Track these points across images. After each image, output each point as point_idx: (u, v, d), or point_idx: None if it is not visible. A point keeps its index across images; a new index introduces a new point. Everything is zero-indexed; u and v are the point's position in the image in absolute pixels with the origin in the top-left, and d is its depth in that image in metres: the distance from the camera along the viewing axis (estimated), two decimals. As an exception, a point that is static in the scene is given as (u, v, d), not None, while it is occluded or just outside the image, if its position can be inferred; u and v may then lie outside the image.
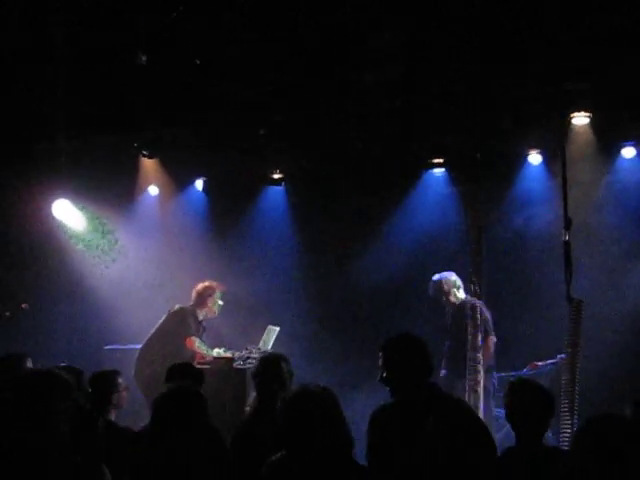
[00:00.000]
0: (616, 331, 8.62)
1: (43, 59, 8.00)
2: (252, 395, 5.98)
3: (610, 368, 8.02)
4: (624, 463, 3.59)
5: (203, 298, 9.11)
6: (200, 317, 9.11)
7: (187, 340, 8.84)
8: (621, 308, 8.85)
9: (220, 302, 9.17)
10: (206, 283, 9.16)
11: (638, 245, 9.09)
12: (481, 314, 8.36)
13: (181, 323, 8.93)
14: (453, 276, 8.83)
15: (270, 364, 5.69)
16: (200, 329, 9.12)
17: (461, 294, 8.79)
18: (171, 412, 4.33)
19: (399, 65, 7.45)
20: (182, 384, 4.79)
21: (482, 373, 8.07)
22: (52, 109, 8.42)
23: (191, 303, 9.14)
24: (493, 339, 8.50)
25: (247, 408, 6.13)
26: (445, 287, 8.78)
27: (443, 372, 8.58)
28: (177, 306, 9.12)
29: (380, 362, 4.87)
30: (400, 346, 4.87)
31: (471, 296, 8.67)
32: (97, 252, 10.80)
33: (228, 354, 8.76)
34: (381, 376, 4.83)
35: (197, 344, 8.82)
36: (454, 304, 8.75)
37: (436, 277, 8.85)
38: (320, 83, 7.80)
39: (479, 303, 8.49)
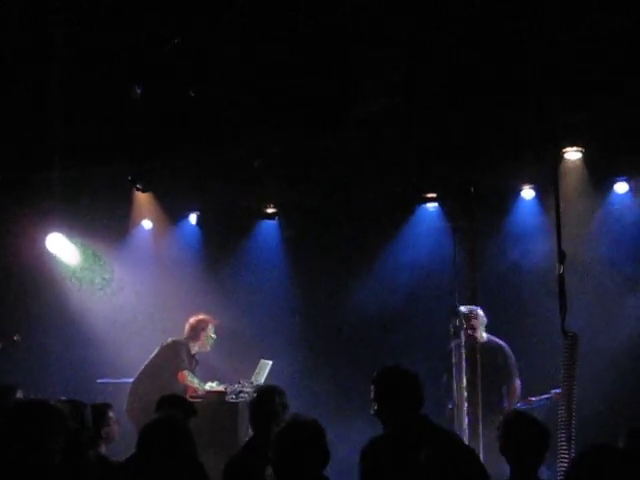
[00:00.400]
0: (610, 364, 8.59)
1: (39, 88, 8.04)
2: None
3: (605, 401, 8.00)
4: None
5: (196, 332, 9.10)
6: (193, 351, 9.10)
7: (179, 374, 8.82)
8: (615, 341, 8.83)
9: (213, 336, 9.16)
10: (200, 316, 9.16)
11: (631, 279, 9.09)
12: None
13: (174, 357, 8.91)
14: (481, 312, 8.64)
15: (265, 396, 5.71)
16: (193, 362, 9.10)
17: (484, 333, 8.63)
18: (157, 440, 4.31)
19: (394, 96, 7.48)
20: (170, 413, 4.76)
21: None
22: (49, 139, 8.43)
23: (184, 336, 9.12)
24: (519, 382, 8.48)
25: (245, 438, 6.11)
26: (476, 321, 8.50)
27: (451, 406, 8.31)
28: (170, 339, 9.10)
29: (372, 395, 4.88)
30: (390, 378, 4.89)
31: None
32: (91, 286, 10.79)
33: (220, 388, 8.73)
34: (373, 409, 4.83)
35: (189, 378, 8.79)
36: (478, 340, 8.42)
37: (468, 308, 8.45)
38: (313, 115, 7.82)
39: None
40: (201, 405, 7.46)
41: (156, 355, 9.02)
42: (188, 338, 9.11)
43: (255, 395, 5.93)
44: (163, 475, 4.10)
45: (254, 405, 5.72)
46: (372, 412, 4.86)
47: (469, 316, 8.41)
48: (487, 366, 8.19)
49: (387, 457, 4.74)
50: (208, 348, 9.19)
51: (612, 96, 7.28)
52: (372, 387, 4.89)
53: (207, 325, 9.13)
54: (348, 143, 8.49)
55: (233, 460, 5.52)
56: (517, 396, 8.43)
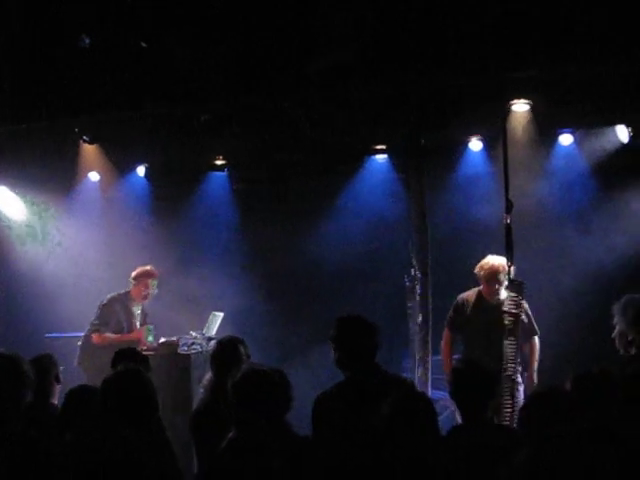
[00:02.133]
0: (556, 309, 8.79)
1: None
2: (207, 376, 6.01)
3: (552, 346, 8.18)
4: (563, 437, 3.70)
5: (137, 284, 9.12)
6: (134, 303, 9.09)
7: (93, 336, 8.90)
8: (562, 287, 9.05)
9: (154, 289, 9.15)
10: (139, 269, 9.15)
11: (577, 227, 9.28)
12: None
13: (94, 317, 9.02)
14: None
15: (227, 346, 5.77)
16: (136, 315, 9.17)
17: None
18: (123, 392, 4.34)
19: (349, 51, 7.48)
20: (133, 367, 4.79)
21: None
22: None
23: (125, 290, 9.15)
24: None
25: (201, 390, 6.15)
26: (504, 275, 7.61)
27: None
28: (107, 296, 9.11)
29: (331, 342, 4.98)
30: (349, 326, 4.98)
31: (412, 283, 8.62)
32: (37, 240, 10.69)
33: (172, 339, 8.75)
34: (335, 358, 4.94)
35: (108, 336, 8.86)
36: (500, 297, 7.69)
37: (503, 260, 7.52)
38: (264, 67, 7.78)
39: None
40: (153, 358, 7.47)
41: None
42: (128, 292, 9.16)
43: (217, 345, 5.96)
44: (128, 427, 4.13)
45: (219, 355, 5.77)
46: (334, 360, 4.97)
47: (505, 267, 7.53)
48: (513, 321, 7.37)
49: (343, 405, 4.83)
50: (146, 300, 9.23)
51: (558, 50, 7.36)
52: (331, 334, 4.99)
53: (147, 278, 9.13)
54: (299, 96, 8.47)
55: (199, 409, 5.59)
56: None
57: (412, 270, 8.50)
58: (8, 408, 4.07)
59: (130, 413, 4.34)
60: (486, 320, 7.65)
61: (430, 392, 8.13)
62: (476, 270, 7.81)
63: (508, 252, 7.27)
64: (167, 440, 4.97)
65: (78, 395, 4.96)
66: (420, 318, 8.37)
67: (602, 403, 4.16)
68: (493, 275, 7.70)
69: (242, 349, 5.76)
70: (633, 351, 5.17)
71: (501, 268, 7.60)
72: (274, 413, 4.26)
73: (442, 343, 8.07)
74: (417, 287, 8.46)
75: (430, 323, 8.44)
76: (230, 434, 4.31)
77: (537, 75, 7.83)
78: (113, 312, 8.98)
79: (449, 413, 7.73)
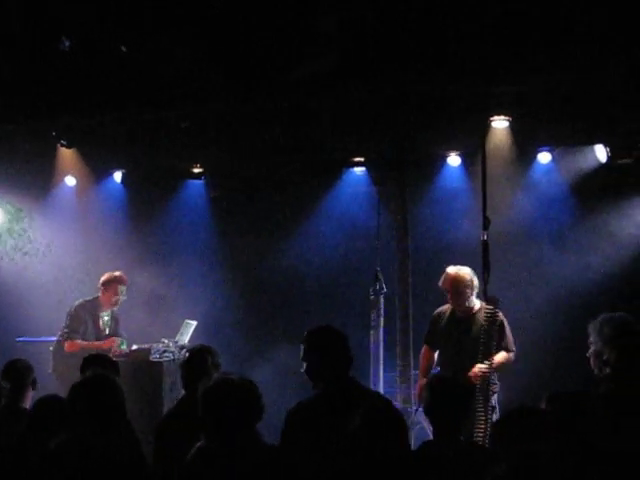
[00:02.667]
0: (531, 326, 8.80)
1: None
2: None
3: (527, 364, 8.18)
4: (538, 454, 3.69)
5: (105, 290, 9.02)
6: (102, 309, 9.03)
7: (66, 343, 8.80)
8: (536, 304, 9.08)
9: (122, 296, 9.06)
10: (107, 275, 9.06)
11: (553, 243, 9.32)
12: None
13: (65, 324, 8.91)
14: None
15: (197, 355, 5.72)
16: (101, 322, 9.05)
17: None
18: (90, 398, 4.29)
19: (327, 59, 7.46)
20: (101, 372, 4.74)
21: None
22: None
23: (94, 296, 9.08)
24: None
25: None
26: (472, 286, 7.42)
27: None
28: (75, 302, 9.02)
29: (301, 354, 4.94)
30: (320, 337, 4.95)
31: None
32: (9, 243, 10.59)
33: (144, 346, 8.69)
34: (303, 367, 4.90)
35: (80, 343, 8.74)
36: (471, 309, 7.46)
37: (466, 270, 7.43)
38: (244, 75, 7.76)
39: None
40: (125, 364, 7.41)
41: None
42: (96, 297, 9.07)
43: (187, 354, 5.91)
44: (95, 432, 4.09)
45: (187, 364, 5.72)
46: (302, 370, 4.93)
47: (472, 278, 7.40)
48: (486, 333, 7.24)
49: (312, 419, 4.79)
50: (114, 306, 9.10)
51: (540, 69, 7.39)
52: (302, 346, 4.95)
53: (117, 284, 9.04)
54: (277, 105, 8.46)
55: (165, 419, 5.53)
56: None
57: (377, 284, 8.46)
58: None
59: (99, 418, 4.30)
60: (458, 333, 7.52)
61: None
62: (439, 283, 7.67)
63: (485, 268, 7.25)
64: (137, 441, 4.91)
65: (47, 405, 4.92)
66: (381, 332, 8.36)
67: (576, 422, 4.15)
68: (452, 286, 7.48)
69: (211, 358, 5.71)
70: (608, 370, 5.15)
71: (459, 278, 7.42)
72: (244, 423, 4.21)
73: (420, 357, 7.93)
74: (380, 300, 8.45)
75: (411, 336, 8.45)
76: (199, 443, 4.26)
77: (517, 90, 7.87)
78: (81, 319, 8.89)
79: (419, 429, 7.70)
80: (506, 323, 7.41)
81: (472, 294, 7.46)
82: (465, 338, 7.41)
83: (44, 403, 4.96)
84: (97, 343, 8.82)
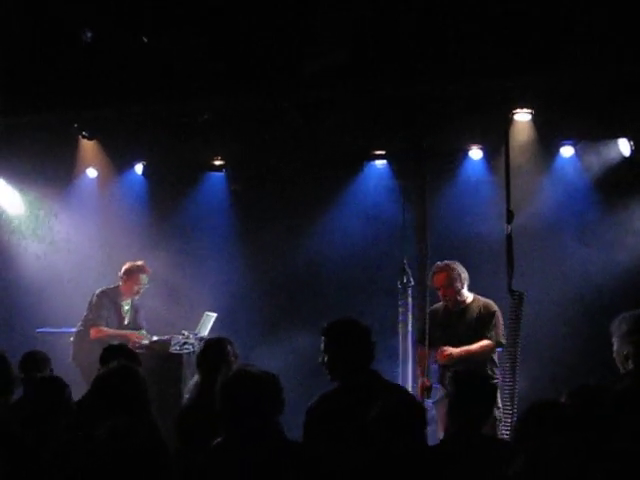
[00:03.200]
0: (556, 321, 8.75)
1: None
2: (193, 379, 5.93)
3: (550, 359, 8.13)
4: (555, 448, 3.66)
5: (127, 279, 9.05)
6: (123, 299, 9.05)
7: (92, 330, 8.84)
8: (562, 298, 8.98)
9: (144, 284, 9.08)
10: (129, 264, 9.09)
11: (577, 237, 9.23)
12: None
13: (89, 311, 8.99)
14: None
15: (216, 345, 5.71)
16: (121, 311, 9.11)
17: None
18: (115, 388, 4.30)
19: (346, 52, 7.43)
20: (126, 363, 4.74)
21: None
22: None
23: (115, 284, 9.14)
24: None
25: (186, 395, 6.09)
26: (462, 279, 7.60)
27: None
28: (97, 290, 9.06)
29: (322, 346, 4.91)
30: (341, 330, 4.91)
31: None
32: (33, 234, 10.64)
33: (164, 338, 8.69)
34: (322, 360, 4.86)
35: (106, 330, 8.82)
36: (463, 302, 7.63)
37: (454, 264, 7.61)
38: (265, 68, 7.75)
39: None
40: (144, 356, 7.43)
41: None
42: (117, 287, 9.13)
43: (205, 345, 5.90)
44: (120, 424, 4.08)
45: (204, 354, 5.71)
46: (319, 362, 4.89)
47: (459, 271, 7.61)
48: (481, 325, 7.51)
49: (333, 412, 4.76)
50: (136, 296, 9.17)
51: (563, 61, 7.34)
52: (322, 338, 4.92)
53: (139, 273, 9.06)
54: (298, 98, 8.44)
55: (184, 411, 5.52)
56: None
57: (404, 276, 8.42)
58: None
59: (122, 409, 4.30)
60: (452, 325, 7.63)
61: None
62: (428, 282, 7.78)
63: (509, 263, 7.22)
64: (159, 432, 4.92)
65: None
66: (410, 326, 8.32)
67: (597, 417, 4.11)
68: (442, 281, 7.60)
69: (230, 349, 5.70)
70: (630, 366, 5.10)
71: (447, 272, 7.56)
72: (264, 416, 4.18)
73: (416, 358, 7.94)
74: (408, 293, 8.41)
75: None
76: (218, 439, 4.24)
77: (539, 82, 7.81)
78: (104, 305, 8.94)
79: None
80: (499, 315, 7.52)
81: (463, 287, 7.61)
82: (458, 328, 7.55)
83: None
84: (123, 332, 8.85)
